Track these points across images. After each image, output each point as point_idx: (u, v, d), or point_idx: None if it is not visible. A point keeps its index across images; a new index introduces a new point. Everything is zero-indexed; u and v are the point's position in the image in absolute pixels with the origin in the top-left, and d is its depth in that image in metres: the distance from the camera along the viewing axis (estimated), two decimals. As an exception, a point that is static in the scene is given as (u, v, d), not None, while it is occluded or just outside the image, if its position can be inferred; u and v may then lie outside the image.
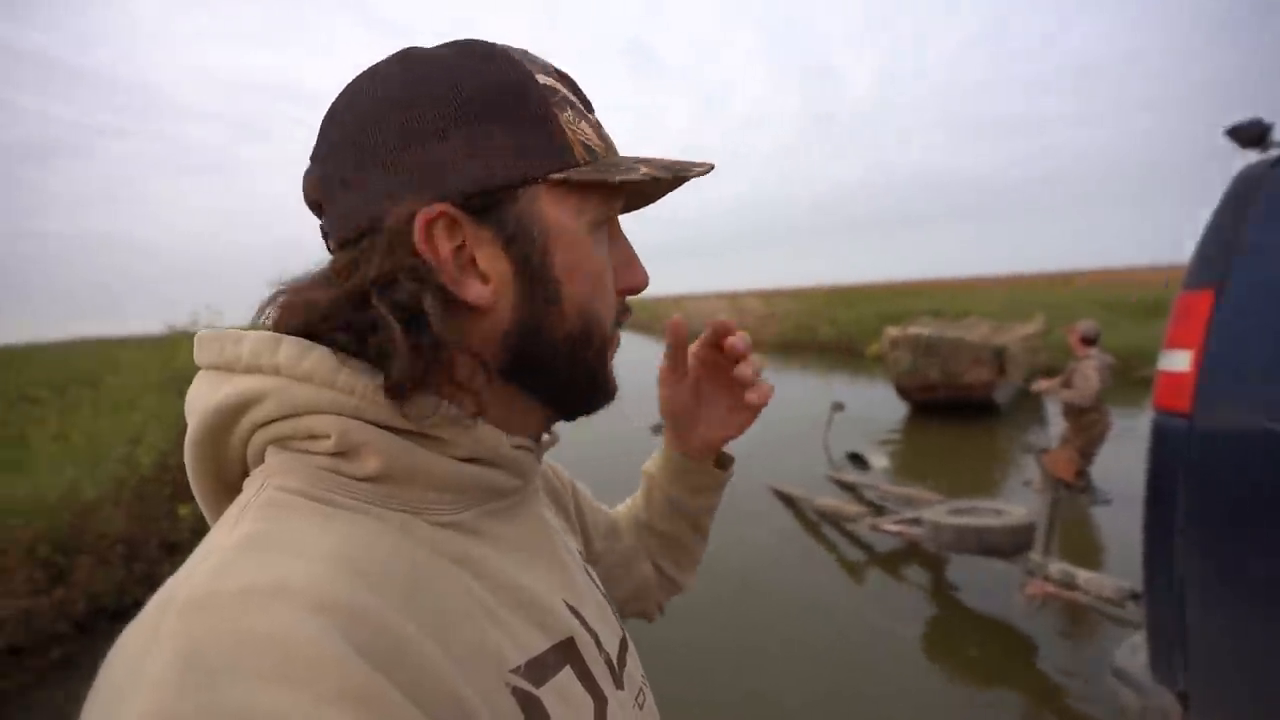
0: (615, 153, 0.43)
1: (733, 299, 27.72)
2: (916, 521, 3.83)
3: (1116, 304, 12.66)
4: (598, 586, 0.52)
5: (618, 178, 0.39)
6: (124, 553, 4.17)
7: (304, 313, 0.37)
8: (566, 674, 0.38)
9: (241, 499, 0.35)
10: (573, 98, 0.41)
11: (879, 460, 5.99)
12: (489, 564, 0.38)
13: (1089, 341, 4.17)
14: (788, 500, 5.17)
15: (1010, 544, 3.18)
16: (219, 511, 0.37)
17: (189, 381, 0.39)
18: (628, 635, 0.51)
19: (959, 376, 7.98)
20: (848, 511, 4.41)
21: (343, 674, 0.26)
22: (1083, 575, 2.80)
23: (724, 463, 0.68)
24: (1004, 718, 2.62)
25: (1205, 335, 1.50)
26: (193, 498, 0.40)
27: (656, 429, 6.41)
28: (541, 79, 0.40)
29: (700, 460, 0.65)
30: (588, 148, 0.40)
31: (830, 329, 16.48)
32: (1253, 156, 1.58)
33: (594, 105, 0.45)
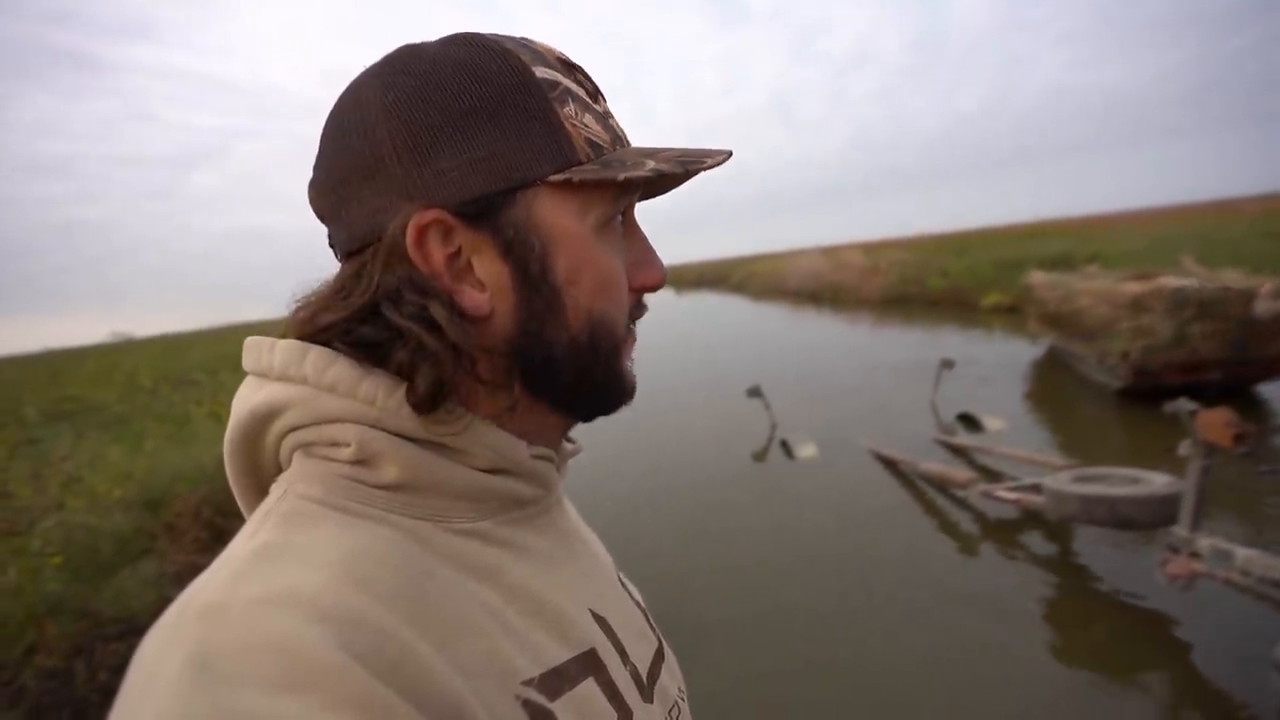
0: (624, 144, 0.42)
1: (832, 252, 26.42)
2: (1036, 488, 3.51)
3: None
4: (632, 596, 0.51)
5: (622, 175, 0.37)
6: (270, 515, 4.72)
7: (315, 330, 0.38)
8: (588, 686, 0.38)
9: (265, 504, 0.36)
10: (576, 89, 0.39)
11: (994, 422, 5.55)
12: (508, 573, 0.38)
13: None
14: (890, 464, 4.92)
15: (1148, 516, 2.82)
16: (255, 506, 0.39)
17: None
18: (665, 646, 0.50)
19: (1261, 349, 5.30)
20: (957, 477, 4.11)
21: (343, 681, 0.27)
22: (1242, 553, 2.44)
23: None
24: (1140, 710, 2.38)
25: None
26: None
27: (752, 392, 6.30)
28: (541, 72, 0.38)
29: None
30: (592, 143, 0.39)
31: (940, 280, 15.29)
32: None
33: (601, 93, 0.43)
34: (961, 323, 11.72)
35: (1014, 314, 9.62)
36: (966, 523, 3.99)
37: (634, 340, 0.44)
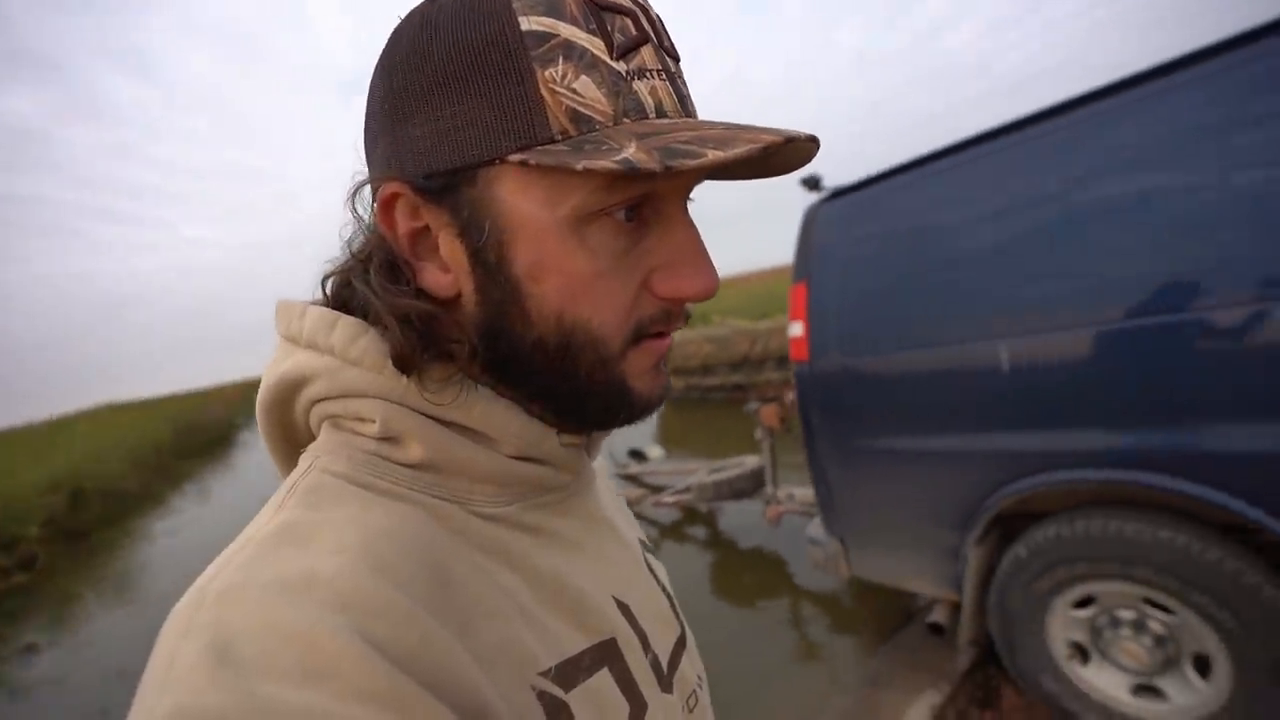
0: (652, 114, 0.33)
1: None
2: (687, 490, 4.60)
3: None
4: (658, 581, 0.50)
5: (581, 164, 0.30)
6: None
7: (336, 290, 0.40)
8: (602, 677, 0.37)
9: (291, 478, 0.35)
10: (584, 42, 0.32)
11: (654, 450, 6.88)
12: (531, 559, 0.38)
13: None
14: (586, 503, 5.69)
15: (751, 486, 4.07)
16: (290, 466, 0.40)
17: None
18: (687, 632, 0.50)
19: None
20: (633, 496, 5.07)
21: (363, 671, 0.26)
22: (799, 492, 3.78)
23: None
24: (774, 617, 3.40)
25: (807, 311, 2.38)
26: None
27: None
28: (531, 23, 0.31)
29: None
30: (576, 116, 0.31)
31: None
32: (813, 197, 2.53)
33: (653, 39, 0.34)
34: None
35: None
36: (648, 530, 4.96)
37: (654, 353, 0.38)
